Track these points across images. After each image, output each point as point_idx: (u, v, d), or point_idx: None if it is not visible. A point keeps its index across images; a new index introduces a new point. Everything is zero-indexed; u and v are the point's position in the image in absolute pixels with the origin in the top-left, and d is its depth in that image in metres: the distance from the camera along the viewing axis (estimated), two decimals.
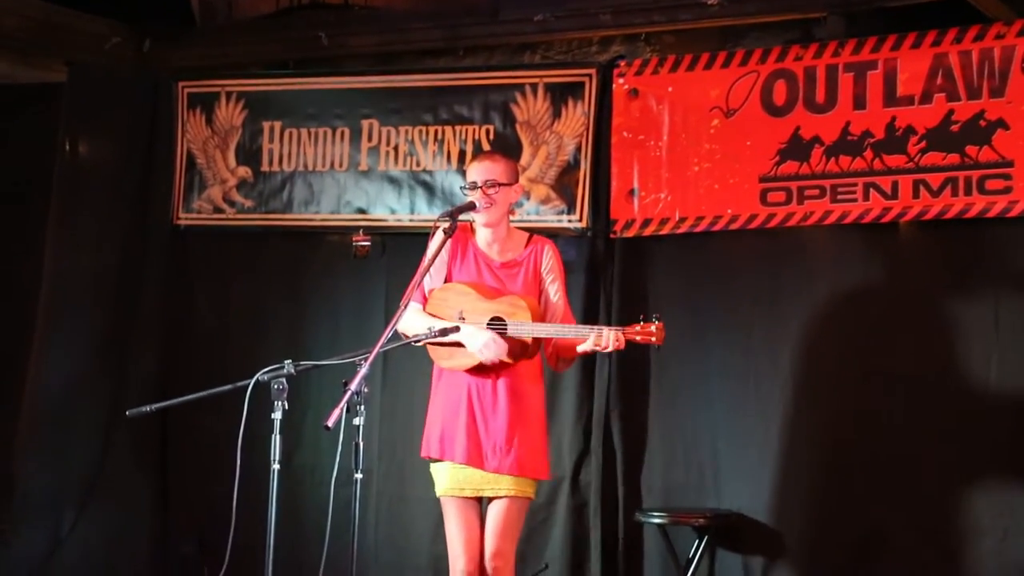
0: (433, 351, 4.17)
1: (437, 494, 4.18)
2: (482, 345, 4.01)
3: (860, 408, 4.93)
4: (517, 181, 4.28)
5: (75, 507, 5.91)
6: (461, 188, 4.35)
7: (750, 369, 5.14)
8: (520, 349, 4.05)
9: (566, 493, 5.36)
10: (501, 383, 4.11)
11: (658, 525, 5.02)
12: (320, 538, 3.61)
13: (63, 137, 6.09)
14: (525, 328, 4.03)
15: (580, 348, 3.99)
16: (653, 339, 3.92)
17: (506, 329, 4.03)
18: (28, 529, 5.86)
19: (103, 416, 5.95)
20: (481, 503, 4.17)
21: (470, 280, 4.20)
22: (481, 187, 4.15)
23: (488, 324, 4.06)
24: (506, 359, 4.03)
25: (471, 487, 4.11)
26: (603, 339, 3.91)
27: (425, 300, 4.20)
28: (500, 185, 4.16)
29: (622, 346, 3.94)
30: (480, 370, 4.09)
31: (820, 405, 5.00)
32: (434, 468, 4.19)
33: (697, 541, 4.98)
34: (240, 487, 3.57)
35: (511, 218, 4.32)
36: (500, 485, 4.09)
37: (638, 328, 3.93)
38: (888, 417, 4.88)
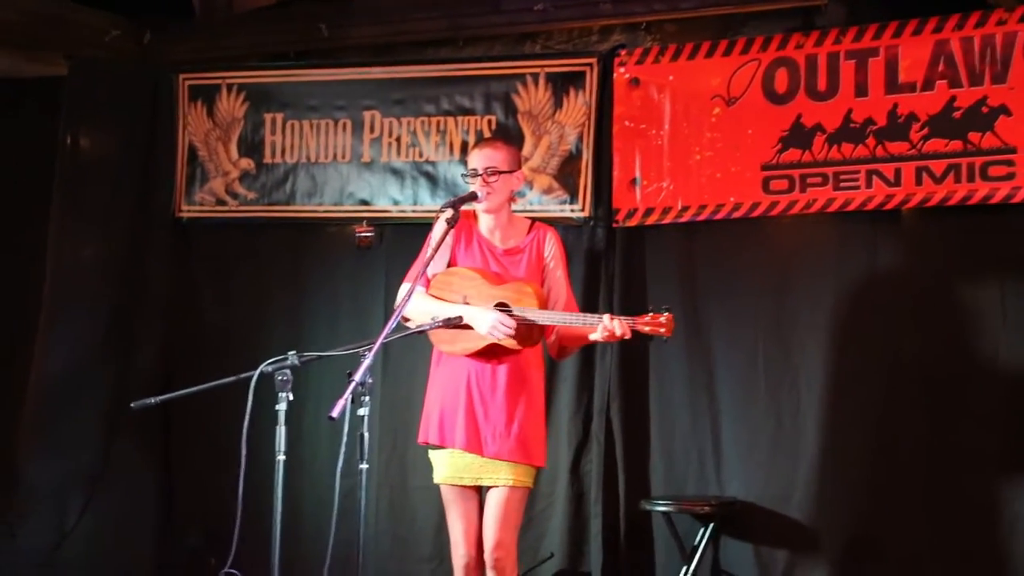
0: (435, 336, 4.17)
1: (435, 481, 4.18)
2: (491, 326, 4.00)
3: (865, 395, 4.93)
4: (519, 168, 4.28)
5: (80, 499, 5.92)
6: (462, 175, 4.35)
7: (756, 357, 5.14)
8: (525, 335, 4.04)
9: (565, 483, 5.36)
10: (502, 369, 4.10)
11: (664, 513, 5.02)
12: (323, 529, 3.62)
13: (64, 131, 6.09)
14: (531, 315, 4.03)
15: (592, 337, 3.96)
16: (662, 330, 3.87)
17: (512, 314, 4.03)
18: (34, 521, 5.88)
19: (107, 408, 5.95)
20: (480, 492, 4.17)
21: (473, 266, 4.20)
22: (482, 174, 4.16)
23: (496, 308, 4.05)
24: (513, 343, 4.02)
25: (470, 475, 4.11)
26: (611, 328, 3.89)
27: (428, 285, 4.20)
28: (501, 172, 4.16)
29: (628, 335, 3.92)
30: (481, 356, 4.09)
31: (826, 392, 4.99)
32: (433, 455, 4.19)
33: (702, 529, 4.99)
34: (245, 478, 3.57)
35: (515, 206, 4.31)
36: (499, 474, 4.08)
37: (647, 319, 3.89)
38: (894, 403, 4.88)
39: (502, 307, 4.05)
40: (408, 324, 4.12)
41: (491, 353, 4.08)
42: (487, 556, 4.10)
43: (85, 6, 6.15)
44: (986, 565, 4.68)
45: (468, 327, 4.03)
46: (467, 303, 4.09)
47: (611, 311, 5.19)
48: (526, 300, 4.04)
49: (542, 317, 4.03)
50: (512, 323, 3.99)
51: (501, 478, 4.08)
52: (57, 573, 5.83)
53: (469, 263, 4.21)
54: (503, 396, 4.09)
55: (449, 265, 4.23)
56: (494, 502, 4.10)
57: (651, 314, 3.89)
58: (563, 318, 4.06)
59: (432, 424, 4.18)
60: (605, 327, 3.90)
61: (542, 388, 4.27)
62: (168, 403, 4.04)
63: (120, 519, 5.92)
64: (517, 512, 4.13)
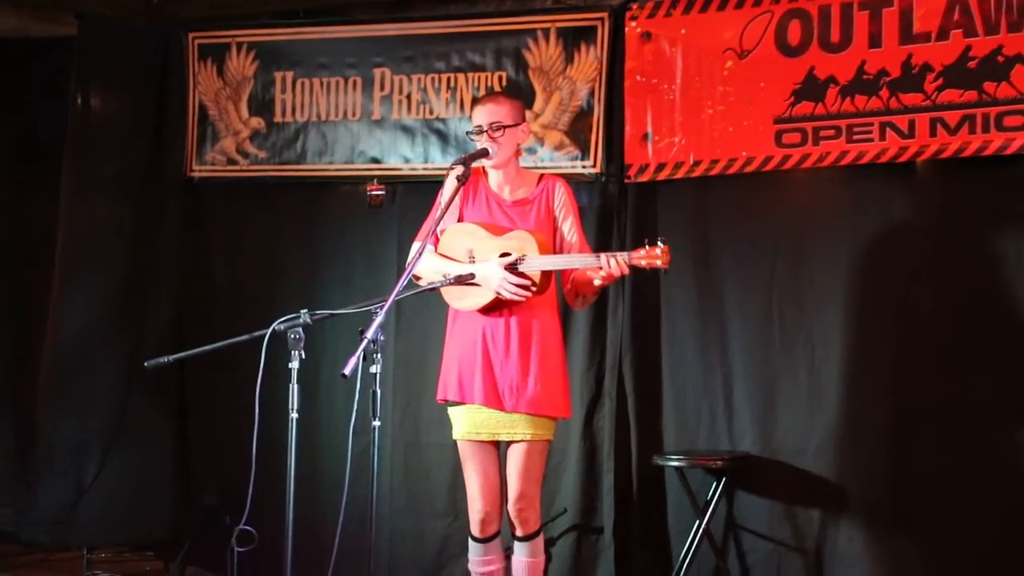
0: (446, 293, 4.18)
1: (454, 437, 4.21)
2: (498, 286, 4.00)
3: (880, 348, 4.92)
4: (524, 120, 4.26)
5: (98, 458, 5.97)
6: (467, 133, 4.33)
7: (770, 312, 5.12)
8: (531, 283, 4.05)
9: (578, 438, 5.37)
10: (514, 322, 4.11)
11: (676, 468, 5.04)
12: (338, 486, 3.65)
13: (75, 90, 6.08)
14: (535, 262, 4.01)
15: (597, 279, 3.95)
16: (659, 262, 3.85)
17: (516, 265, 4.02)
18: (52, 480, 5.95)
19: (122, 367, 5.99)
20: (499, 447, 4.19)
21: (481, 220, 4.19)
22: (487, 131, 4.15)
23: (500, 259, 4.06)
24: (525, 294, 4.02)
25: (487, 430, 4.13)
26: (607, 265, 3.88)
27: (436, 242, 4.20)
28: (505, 127, 4.15)
29: (627, 271, 3.90)
30: (493, 310, 4.10)
31: (842, 346, 4.98)
32: (451, 412, 4.22)
33: (715, 483, 5.00)
34: (259, 437, 3.59)
35: (526, 162, 4.30)
36: (516, 429, 4.10)
37: (643, 252, 3.87)
38: (909, 356, 4.86)
39: (505, 257, 4.04)
40: (419, 282, 4.12)
41: (501, 306, 4.08)
42: (510, 507, 4.14)
43: None
44: (1005, 517, 4.67)
45: (477, 284, 4.03)
46: (472, 257, 4.10)
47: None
48: (528, 248, 4.03)
49: (543, 262, 4.02)
50: (519, 281, 3.98)
51: (519, 432, 4.10)
52: (75, 530, 5.91)
53: (477, 217, 4.21)
54: (517, 350, 4.09)
55: (458, 222, 4.23)
56: (515, 456, 4.13)
57: (647, 247, 3.87)
58: (564, 261, 4.05)
59: (451, 381, 4.20)
60: (604, 266, 3.90)
61: (559, 338, 4.25)
62: (183, 362, 4.09)
63: (136, 477, 5.97)
64: (538, 465, 4.16)
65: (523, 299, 4.03)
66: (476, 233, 4.14)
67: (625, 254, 3.90)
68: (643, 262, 3.88)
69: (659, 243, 3.87)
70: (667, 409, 5.31)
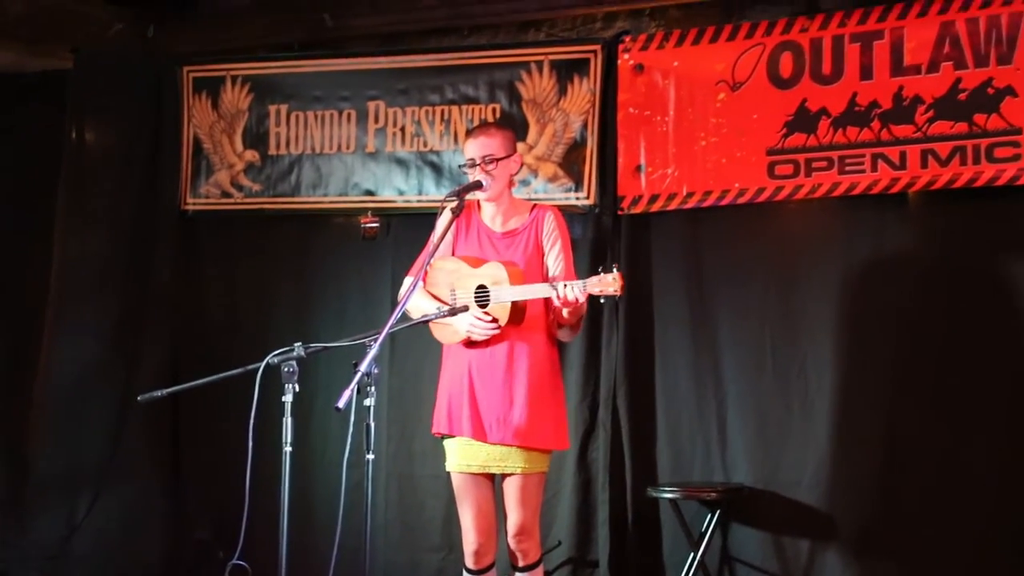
0: (433, 326, 4.19)
1: (447, 469, 4.19)
2: (467, 330, 4.05)
3: (874, 379, 4.93)
4: (515, 151, 4.26)
5: (90, 492, 5.95)
6: (460, 166, 4.34)
7: (763, 343, 5.14)
8: (504, 314, 4.04)
9: (573, 470, 5.36)
10: (499, 353, 4.09)
11: (671, 500, 5.02)
12: (331, 519, 3.63)
13: (70, 124, 6.11)
14: (499, 294, 4.02)
15: (564, 312, 3.96)
16: (611, 289, 3.83)
17: (488, 299, 4.04)
18: (44, 514, 5.92)
19: (116, 401, 5.97)
20: (494, 479, 4.17)
21: (471, 254, 4.20)
22: (479, 164, 4.15)
23: (475, 293, 4.07)
24: (494, 331, 4.04)
25: (477, 463, 4.11)
26: (560, 292, 3.87)
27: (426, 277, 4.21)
28: (498, 160, 4.16)
29: (583, 299, 3.88)
30: (477, 343, 4.10)
31: (835, 377, 4.99)
32: (446, 444, 4.21)
33: (709, 515, 4.99)
34: (253, 470, 3.58)
35: (520, 194, 4.30)
36: (507, 462, 4.08)
37: (596, 280, 3.85)
38: (902, 387, 4.87)
39: (481, 290, 4.06)
40: (411, 316, 4.13)
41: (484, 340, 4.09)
42: (509, 540, 4.12)
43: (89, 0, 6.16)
44: (1000, 547, 4.67)
45: (465, 311, 4.05)
46: (453, 292, 4.11)
47: (616, 298, 5.20)
48: (500, 279, 4.04)
49: (505, 294, 4.02)
50: (485, 320, 4.01)
51: (509, 465, 4.09)
52: (67, 566, 5.86)
53: (468, 251, 4.22)
54: (501, 382, 4.09)
55: (452, 255, 4.23)
56: (510, 489, 4.12)
57: (600, 275, 3.86)
58: (523, 291, 4.03)
59: (442, 415, 4.19)
60: (558, 295, 3.90)
61: (552, 369, 4.20)
62: (177, 396, 4.06)
63: (129, 512, 5.94)
64: (535, 496, 4.13)
65: (491, 335, 4.04)
66: (459, 269, 4.15)
67: (580, 282, 3.90)
68: (596, 289, 3.86)
69: (613, 269, 3.87)
70: (661, 440, 5.30)
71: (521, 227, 4.22)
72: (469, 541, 4.16)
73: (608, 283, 3.84)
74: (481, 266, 4.12)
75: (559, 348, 4.34)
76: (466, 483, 4.15)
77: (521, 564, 4.16)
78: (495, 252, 4.18)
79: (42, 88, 6.38)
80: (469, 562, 4.18)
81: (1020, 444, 4.68)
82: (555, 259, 4.19)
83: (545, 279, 4.15)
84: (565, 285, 3.89)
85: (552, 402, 4.18)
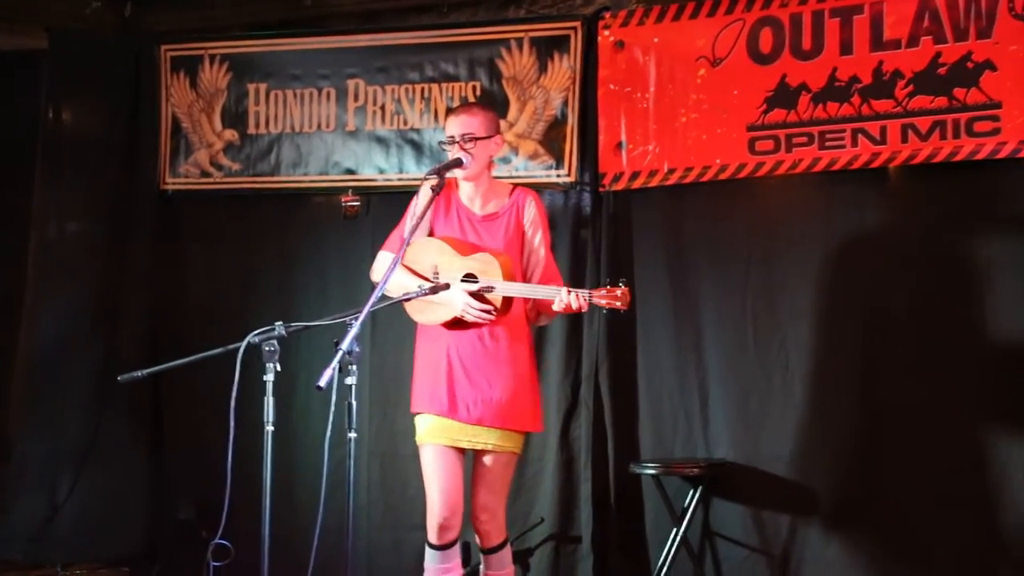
0: (408, 305, 4.16)
1: (416, 440, 4.18)
2: (463, 310, 4.03)
3: (854, 353, 4.94)
4: (498, 132, 4.24)
5: (71, 474, 5.92)
6: (440, 143, 4.32)
7: (744, 319, 5.14)
8: (499, 304, 4.05)
9: (555, 448, 5.36)
10: (479, 335, 4.09)
11: (653, 476, 5.04)
12: (314, 499, 3.62)
13: (46, 104, 6.06)
14: (498, 287, 4.01)
15: (554, 309, 3.98)
16: (618, 303, 3.88)
17: (479, 291, 4.02)
18: (25, 496, 5.90)
19: (96, 381, 5.94)
20: (464, 455, 4.16)
21: (452, 235, 4.18)
22: (459, 141, 4.13)
23: (462, 281, 4.05)
24: (489, 318, 4.03)
25: (448, 436, 4.10)
26: (567, 301, 3.90)
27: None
28: (478, 139, 4.13)
29: (585, 308, 3.92)
30: (457, 324, 4.09)
31: (815, 351, 5.00)
32: (417, 419, 4.20)
33: (692, 491, 5.01)
34: (235, 450, 3.56)
35: (496, 172, 4.28)
36: (479, 438, 4.08)
37: (604, 292, 3.89)
38: (883, 361, 4.89)
39: (469, 278, 4.04)
40: (390, 294, 4.11)
41: (463, 321, 4.07)
42: (472, 519, 4.11)
43: None
44: (976, 515, 4.70)
45: (446, 290, 4.03)
46: (436, 274, 4.09)
47: (598, 276, 5.21)
48: (492, 271, 4.03)
49: (507, 289, 4.02)
50: (481, 306, 4.00)
51: (480, 442, 4.08)
52: (49, 548, 5.85)
53: (447, 231, 4.20)
54: (483, 362, 4.08)
55: (429, 234, 4.22)
56: (479, 466, 4.11)
57: (607, 287, 3.89)
58: (526, 290, 4.05)
59: (423, 394, 4.18)
60: (561, 300, 3.91)
61: (527, 351, 4.23)
62: (157, 376, 4.05)
63: (111, 493, 5.92)
64: (503, 477, 4.13)
65: (484, 321, 4.04)
66: (443, 250, 4.12)
67: (587, 291, 3.92)
68: (603, 301, 3.90)
69: (620, 283, 3.89)
70: (643, 417, 5.32)
71: (501, 211, 4.21)
72: (433, 514, 4.09)
73: (615, 296, 3.88)
74: (471, 253, 4.10)
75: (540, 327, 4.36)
76: (434, 454, 4.11)
77: (483, 546, 4.15)
78: (476, 235, 4.17)
79: (17, 68, 6.31)
80: (432, 537, 4.11)
81: (1000, 416, 4.71)
82: (537, 247, 4.19)
83: (520, 264, 4.15)
84: (570, 292, 3.90)
85: (531, 383, 4.21)
